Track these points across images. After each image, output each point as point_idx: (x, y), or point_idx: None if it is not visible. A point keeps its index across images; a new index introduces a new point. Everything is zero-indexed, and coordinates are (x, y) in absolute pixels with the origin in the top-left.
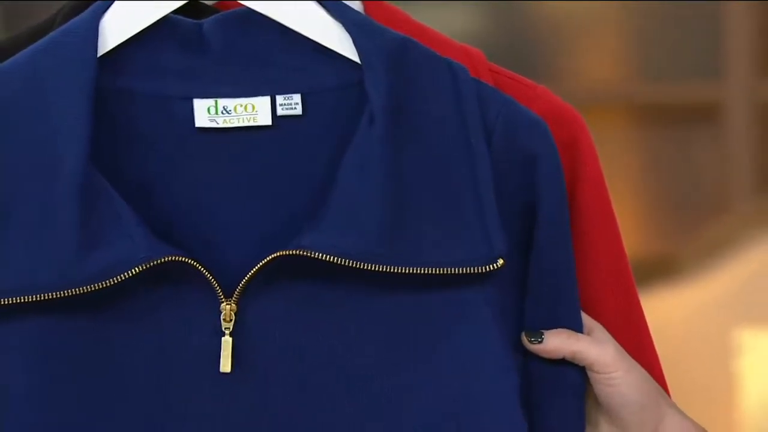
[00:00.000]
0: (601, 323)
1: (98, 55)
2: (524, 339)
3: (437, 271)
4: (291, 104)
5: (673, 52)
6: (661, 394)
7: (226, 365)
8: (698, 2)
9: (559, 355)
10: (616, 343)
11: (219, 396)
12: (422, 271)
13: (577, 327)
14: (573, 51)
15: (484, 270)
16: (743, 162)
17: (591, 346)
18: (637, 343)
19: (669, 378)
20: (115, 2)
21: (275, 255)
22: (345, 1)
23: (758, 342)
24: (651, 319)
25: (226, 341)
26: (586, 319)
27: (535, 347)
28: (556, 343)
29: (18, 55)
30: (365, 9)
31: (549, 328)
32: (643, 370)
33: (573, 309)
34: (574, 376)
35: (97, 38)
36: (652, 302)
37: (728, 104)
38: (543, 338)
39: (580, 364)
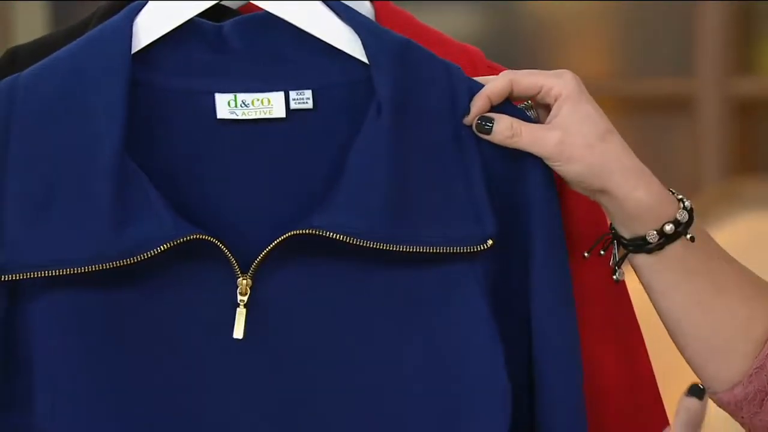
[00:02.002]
0: (585, 291)
1: (132, 52)
2: (474, 128)
3: (433, 250)
4: (303, 99)
5: (651, 51)
6: (606, 165)
7: (238, 332)
8: (673, 7)
9: (503, 145)
10: (566, 129)
11: (234, 360)
12: (420, 250)
13: (566, 273)
14: (562, 50)
15: (475, 249)
16: (713, 149)
17: (532, 143)
18: (617, 312)
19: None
20: (148, 5)
21: (289, 234)
22: (354, 2)
23: None
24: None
25: (240, 312)
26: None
27: (484, 136)
28: (499, 138)
29: (60, 51)
30: (375, 10)
31: (543, 284)
32: (590, 152)
33: (563, 265)
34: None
35: (132, 37)
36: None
37: (700, 98)
38: (492, 128)
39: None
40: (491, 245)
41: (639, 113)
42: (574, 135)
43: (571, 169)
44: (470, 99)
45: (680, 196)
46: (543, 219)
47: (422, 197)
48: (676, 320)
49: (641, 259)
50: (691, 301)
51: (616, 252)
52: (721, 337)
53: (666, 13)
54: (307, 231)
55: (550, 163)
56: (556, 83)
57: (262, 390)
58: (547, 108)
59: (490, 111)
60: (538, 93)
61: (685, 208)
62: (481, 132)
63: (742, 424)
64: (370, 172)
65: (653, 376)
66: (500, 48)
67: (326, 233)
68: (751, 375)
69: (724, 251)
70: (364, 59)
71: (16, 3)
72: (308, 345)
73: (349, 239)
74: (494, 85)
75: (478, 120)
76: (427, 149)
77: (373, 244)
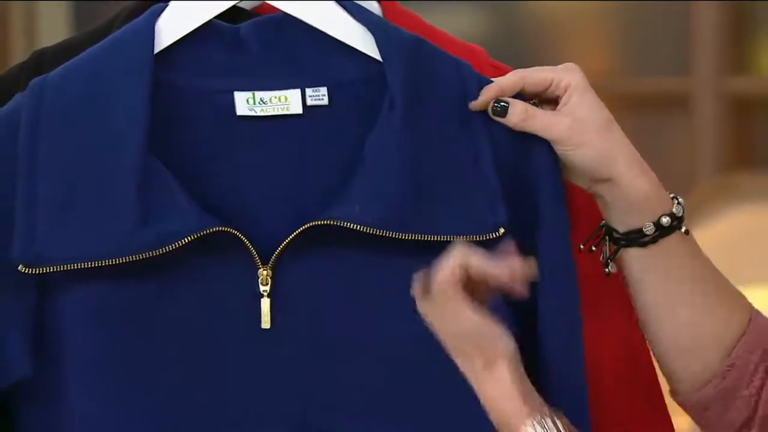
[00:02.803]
0: (581, 278)
1: (154, 53)
2: (490, 111)
3: (447, 238)
4: (319, 95)
5: (649, 50)
6: (612, 152)
7: (266, 322)
8: (670, 8)
9: (517, 128)
10: (577, 116)
11: (260, 349)
12: (434, 238)
13: (571, 267)
14: (563, 49)
15: (487, 237)
16: (709, 145)
17: (545, 127)
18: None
19: None
20: (169, 7)
21: (308, 225)
22: (362, 2)
23: None
24: None
25: (265, 302)
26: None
27: (498, 118)
28: (514, 120)
29: (85, 52)
30: (383, 11)
31: (547, 265)
32: (599, 138)
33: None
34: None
35: (154, 38)
36: None
37: (696, 96)
38: (507, 111)
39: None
40: (503, 233)
41: (638, 110)
42: (584, 121)
43: (581, 154)
44: (479, 92)
45: (672, 194)
46: (550, 205)
47: (435, 188)
48: (656, 317)
49: (633, 253)
50: (674, 300)
51: (608, 247)
52: (697, 337)
53: (663, 13)
54: (325, 222)
55: (560, 148)
56: (565, 75)
57: (286, 376)
58: (554, 103)
59: None
60: (549, 86)
61: (679, 203)
62: (496, 115)
63: (705, 427)
64: (385, 165)
65: (649, 355)
66: (503, 47)
67: (343, 223)
68: (721, 375)
69: (705, 254)
70: (377, 56)
71: (40, 3)
72: (328, 332)
73: (366, 229)
74: (506, 78)
75: (494, 103)
76: (439, 142)
77: (389, 234)
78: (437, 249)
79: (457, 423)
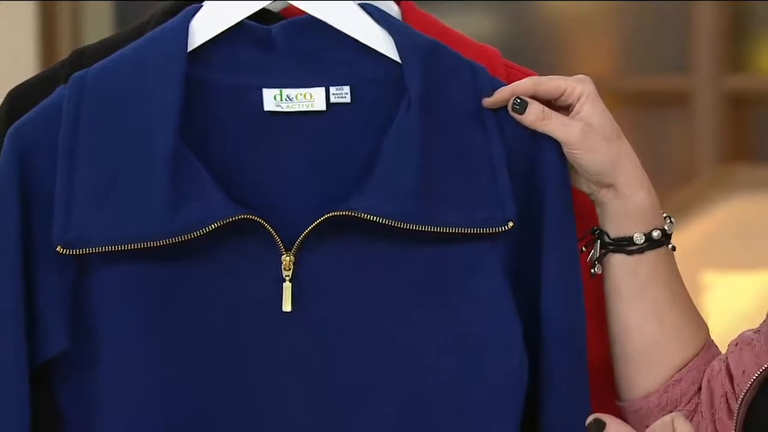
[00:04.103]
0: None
1: (188, 51)
2: (510, 107)
3: (458, 231)
4: (342, 93)
5: (651, 50)
6: (620, 159)
7: (287, 305)
8: (671, 10)
9: (533, 128)
10: (589, 122)
11: (281, 330)
12: (446, 230)
13: (576, 262)
14: (571, 49)
15: (497, 231)
16: (707, 139)
17: (559, 128)
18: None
19: None
20: (202, 8)
21: (328, 215)
22: (381, 2)
23: (718, 282)
24: None
25: (287, 286)
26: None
27: (516, 115)
28: (531, 118)
29: (123, 49)
30: (402, 13)
31: (554, 253)
32: (608, 144)
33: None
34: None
35: (188, 37)
36: None
37: (696, 93)
38: (525, 109)
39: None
40: (512, 227)
41: (641, 107)
42: (595, 129)
43: (590, 158)
44: (491, 94)
45: (665, 214)
46: (558, 204)
47: (449, 183)
48: (625, 324)
49: (618, 259)
50: (649, 310)
51: (597, 249)
52: (657, 348)
53: (665, 15)
54: (344, 212)
55: (571, 151)
56: (578, 85)
57: (305, 356)
58: (565, 111)
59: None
60: (562, 95)
61: (671, 222)
62: (514, 111)
63: None
64: (402, 161)
65: None
66: (515, 48)
67: (361, 215)
68: (667, 386)
69: (678, 274)
70: (397, 58)
71: (85, 3)
72: (346, 315)
73: (382, 220)
74: (521, 82)
75: (513, 101)
76: (453, 140)
77: (404, 225)
78: (449, 240)
79: (466, 400)
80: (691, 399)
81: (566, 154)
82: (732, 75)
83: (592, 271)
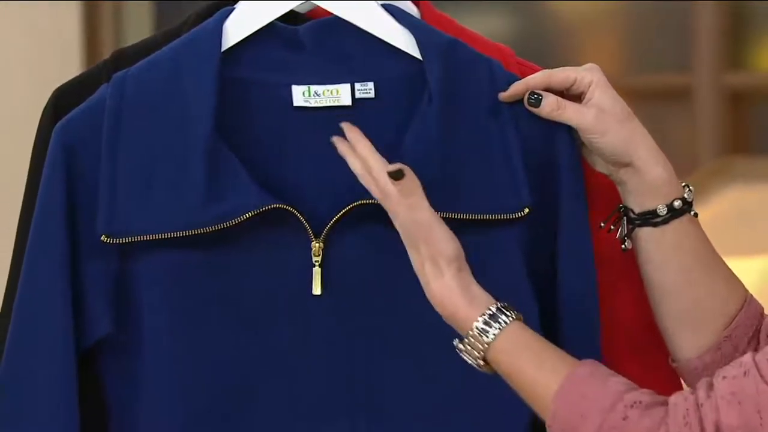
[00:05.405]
0: (602, 253)
1: (221, 51)
2: (525, 101)
3: (478, 217)
4: (366, 89)
5: (653, 49)
6: (634, 138)
7: (317, 288)
8: (672, 11)
9: (549, 118)
10: (601, 107)
11: (312, 312)
12: (466, 217)
13: (589, 244)
14: (578, 49)
15: (514, 216)
16: (707, 133)
17: (574, 115)
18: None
19: None
20: (235, 10)
21: (355, 204)
22: (401, 2)
23: None
24: None
25: (316, 271)
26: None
27: (532, 108)
28: (547, 110)
29: (161, 50)
30: (421, 13)
31: (568, 242)
32: (621, 126)
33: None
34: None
35: (221, 37)
36: None
37: (697, 90)
38: (541, 102)
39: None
40: (528, 213)
41: (645, 103)
42: (607, 112)
43: (605, 140)
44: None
45: (683, 182)
46: (571, 190)
47: (468, 172)
48: (664, 292)
49: (646, 232)
50: (681, 276)
51: (624, 226)
52: (701, 311)
53: (667, 16)
54: (370, 201)
55: (587, 136)
56: (588, 74)
57: (334, 335)
58: (578, 99)
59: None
60: (573, 84)
61: (690, 190)
62: (530, 105)
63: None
64: (423, 152)
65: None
66: (528, 46)
67: None
68: (719, 343)
69: (707, 237)
70: (418, 55)
71: (126, 3)
72: (371, 297)
73: None
74: (533, 76)
75: (528, 95)
76: (471, 132)
77: None
78: (469, 226)
79: (500, 382)
80: (744, 351)
81: (583, 139)
82: (731, 72)
83: (623, 246)
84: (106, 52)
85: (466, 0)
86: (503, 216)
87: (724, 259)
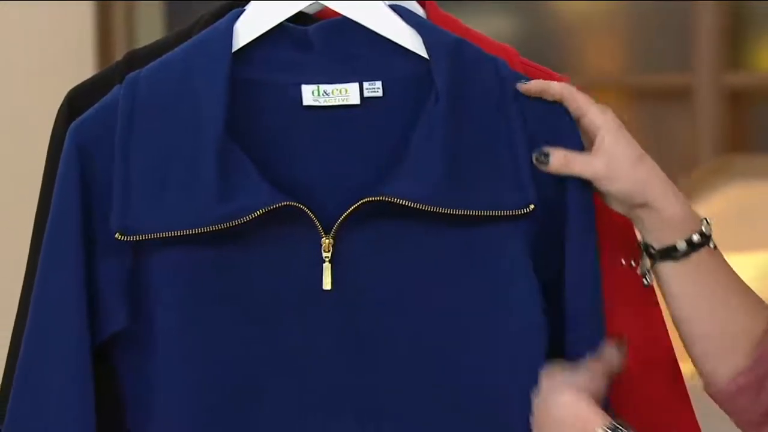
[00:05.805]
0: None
1: (232, 51)
2: (534, 159)
3: (483, 213)
4: (374, 88)
5: (654, 50)
6: (648, 180)
7: (327, 284)
8: (673, 11)
9: (557, 173)
10: (611, 154)
11: (322, 307)
12: (472, 213)
13: (593, 242)
14: (580, 49)
15: (518, 213)
16: (707, 132)
17: (583, 168)
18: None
19: None
20: (245, 12)
21: (363, 200)
22: (407, 2)
23: None
24: None
25: (326, 266)
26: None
27: (542, 167)
28: (556, 166)
29: (173, 51)
30: (427, 13)
31: (573, 241)
32: (633, 170)
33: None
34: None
35: (232, 38)
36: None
37: (697, 89)
38: (549, 159)
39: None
40: (533, 209)
41: (646, 102)
42: (619, 158)
43: (617, 187)
44: (514, 87)
45: (702, 217)
46: (577, 193)
47: (474, 170)
48: (689, 322)
49: (667, 266)
50: (704, 306)
51: (646, 261)
52: (727, 338)
53: (667, 16)
54: (378, 198)
55: (598, 184)
56: (600, 116)
57: (344, 329)
58: (588, 137)
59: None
60: (582, 117)
61: (708, 223)
62: (539, 162)
63: (738, 413)
64: (430, 149)
65: (671, 345)
66: (527, 47)
67: (394, 199)
68: (751, 366)
69: (728, 263)
70: (425, 55)
71: (138, 3)
72: (380, 292)
73: (413, 204)
74: (555, 84)
75: (536, 154)
76: (478, 130)
77: (432, 208)
78: (475, 222)
79: (507, 376)
80: None
81: (595, 186)
82: (731, 72)
83: (645, 281)
84: (119, 54)
85: (469, 0)
86: (508, 212)
87: (725, 256)
